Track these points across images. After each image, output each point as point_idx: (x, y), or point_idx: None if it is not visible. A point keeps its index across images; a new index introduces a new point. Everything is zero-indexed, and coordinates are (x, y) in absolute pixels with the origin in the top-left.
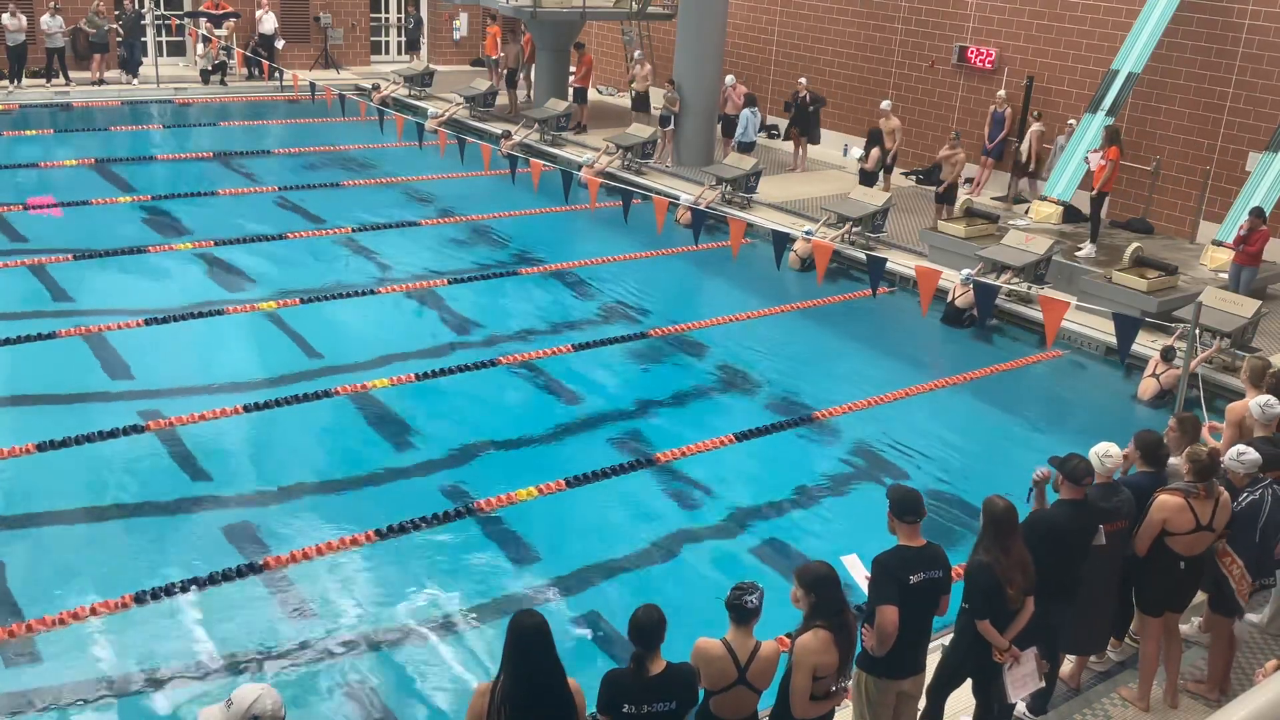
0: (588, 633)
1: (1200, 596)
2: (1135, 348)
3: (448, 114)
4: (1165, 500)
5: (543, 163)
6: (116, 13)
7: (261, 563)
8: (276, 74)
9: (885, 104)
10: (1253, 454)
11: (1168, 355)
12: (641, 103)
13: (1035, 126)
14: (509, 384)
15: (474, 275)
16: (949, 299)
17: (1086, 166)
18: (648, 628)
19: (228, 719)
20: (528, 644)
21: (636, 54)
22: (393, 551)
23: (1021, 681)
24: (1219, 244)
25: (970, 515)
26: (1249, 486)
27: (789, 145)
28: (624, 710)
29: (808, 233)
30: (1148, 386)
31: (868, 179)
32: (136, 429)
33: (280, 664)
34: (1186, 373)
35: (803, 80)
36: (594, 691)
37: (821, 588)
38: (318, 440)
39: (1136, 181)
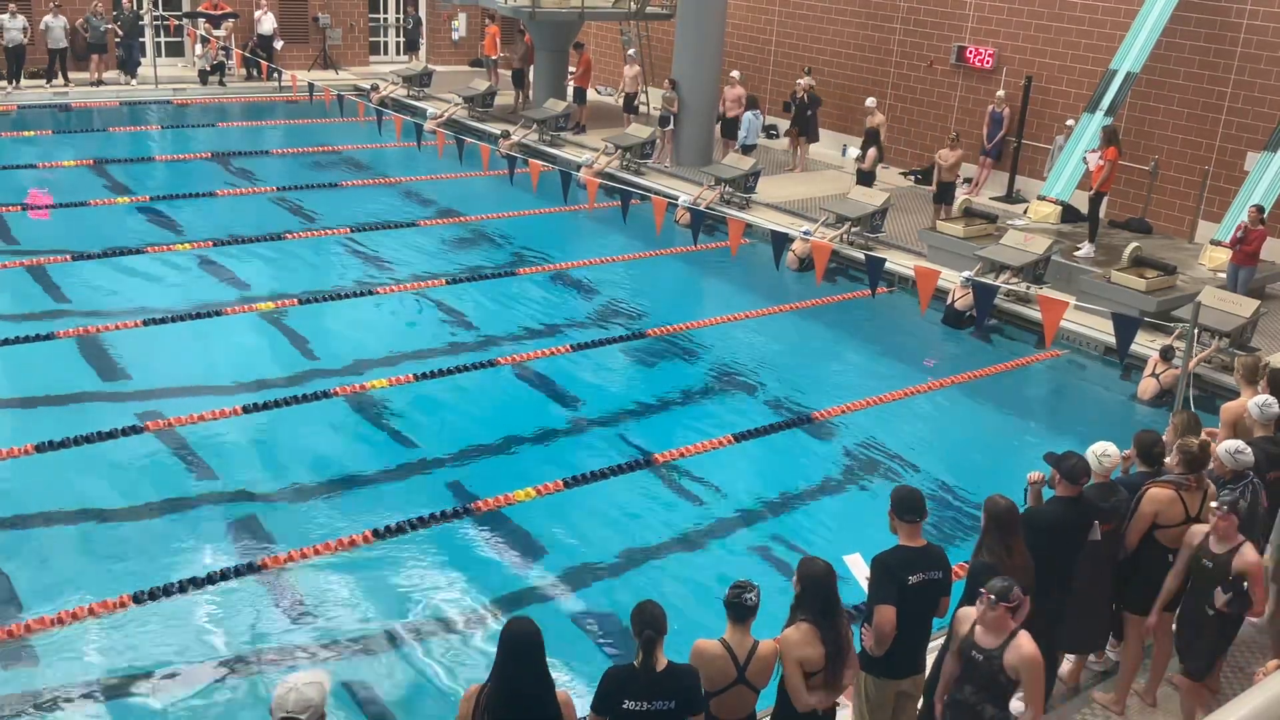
0: (585, 632)
1: None
2: (1134, 347)
3: (446, 114)
4: (1156, 493)
5: (541, 163)
6: (115, 13)
7: (260, 563)
8: (275, 74)
9: (870, 101)
10: (1248, 456)
11: (1167, 355)
12: (629, 104)
13: (803, 80)
14: (507, 384)
15: (473, 275)
16: (949, 300)
17: (1085, 166)
18: (652, 616)
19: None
20: (518, 652)
21: (630, 53)
22: (391, 551)
23: None
24: (1217, 243)
25: (970, 515)
26: (1231, 484)
27: (787, 145)
28: (625, 706)
29: (806, 233)
30: (1147, 386)
31: (865, 179)
32: (135, 429)
33: (278, 664)
34: (1186, 372)
35: (801, 81)
36: (584, 699)
37: (807, 584)
38: (316, 441)
39: (1135, 181)
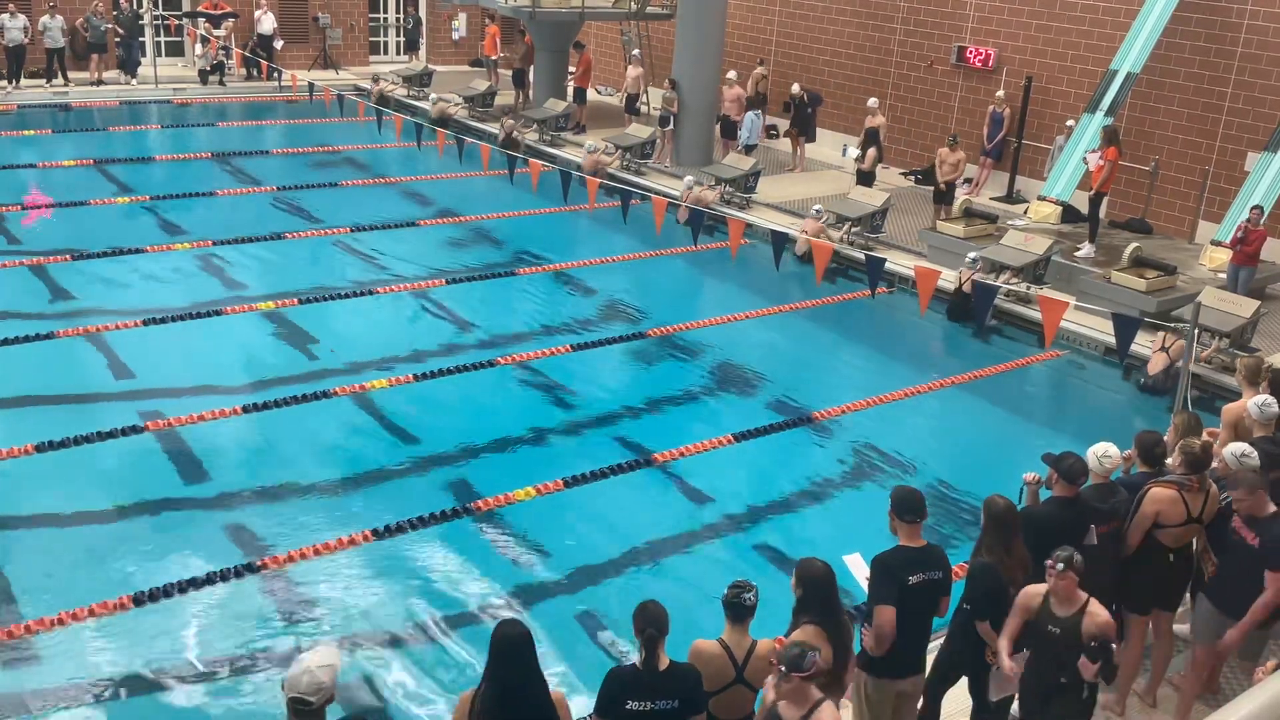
0: (586, 632)
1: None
2: (1134, 347)
3: (449, 107)
4: (1158, 492)
5: (541, 163)
6: (115, 13)
7: (260, 563)
8: (275, 74)
9: (872, 102)
10: (1254, 460)
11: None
12: (631, 105)
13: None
14: (507, 384)
15: (473, 275)
16: (956, 286)
17: (1085, 167)
18: (653, 615)
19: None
20: (509, 654)
21: (635, 53)
22: (390, 551)
23: (1006, 682)
24: (1218, 244)
25: (970, 515)
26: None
27: (788, 144)
28: (628, 707)
29: (817, 210)
30: (1157, 361)
31: (865, 179)
32: (135, 429)
33: (277, 664)
34: (1186, 374)
35: (795, 86)
36: (584, 698)
37: (809, 585)
38: (316, 440)
39: (1135, 182)
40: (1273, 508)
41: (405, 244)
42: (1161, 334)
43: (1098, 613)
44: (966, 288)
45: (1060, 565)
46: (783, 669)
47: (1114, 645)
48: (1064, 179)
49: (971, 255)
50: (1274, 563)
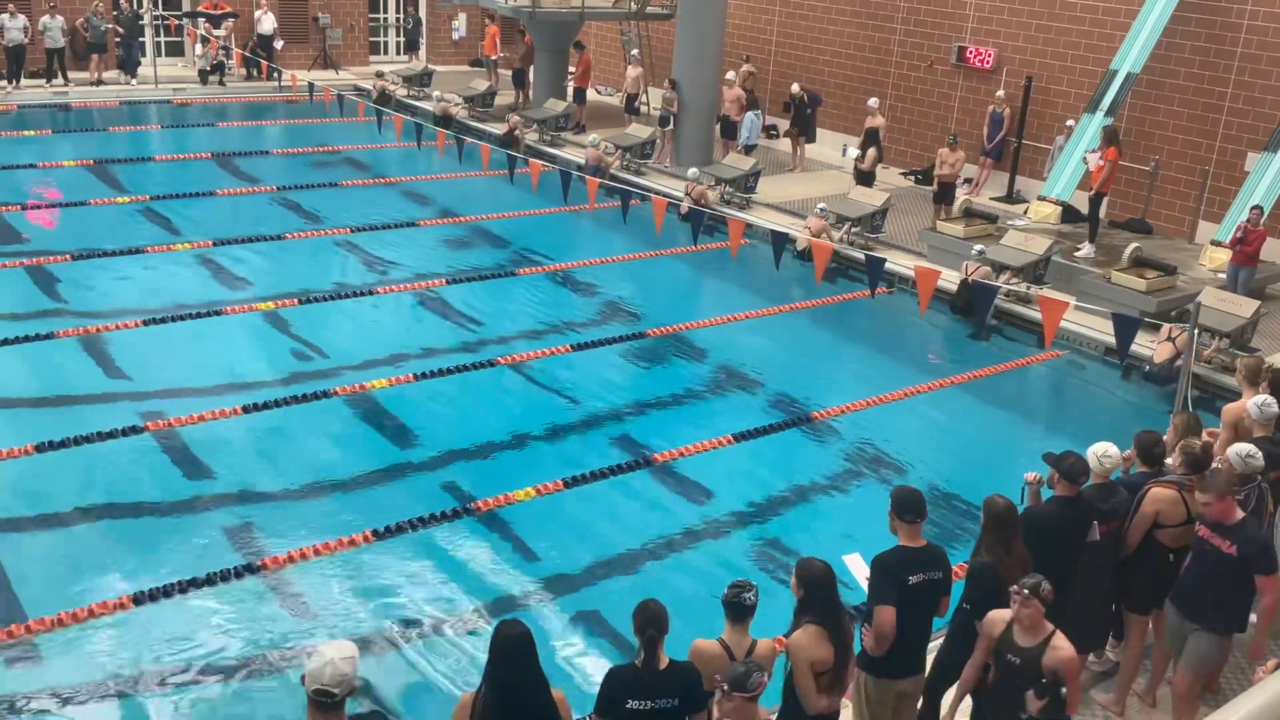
0: (584, 633)
1: None
2: (1134, 347)
3: (451, 105)
4: (1159, 492)
5: (541, 163)
6: (115, 13)
7: (260, 563)
8: (275, 74)
9: (872, 102)
10: (1259, 460)
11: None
12: (630, 105)
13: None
14: (507, 384)
15: (473, 275)
16: (961, 280)
17: (1085, 167)
18: (653, 614)
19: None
20: (509, 654)
21: (634, 53)
22: (390, 551)
23: None
24: (1217, 244)
25: (970, 515)
26: (1238, 486)
27: (787, 144)
28: (629, 706)
29: (822, 209)
30: (1163, 350)
31: (865, 179)
32: (135, 429)
33: (277, 665)
34: (1187, 374)
35: (795, 86)
36: (577, 702)
37: (811, 585)
38: (316, 440)
39: (1135, 182)
40: (1240, 513)
41: (405, 244)
42: (1168, 325)
43: (1061, 647)
44: (972, 281)
45: (1025, 592)
46: (725, 687)
47: (1064, 689)
48: (1064, 179)
49: (977, 248)
50: (1262, 566)
